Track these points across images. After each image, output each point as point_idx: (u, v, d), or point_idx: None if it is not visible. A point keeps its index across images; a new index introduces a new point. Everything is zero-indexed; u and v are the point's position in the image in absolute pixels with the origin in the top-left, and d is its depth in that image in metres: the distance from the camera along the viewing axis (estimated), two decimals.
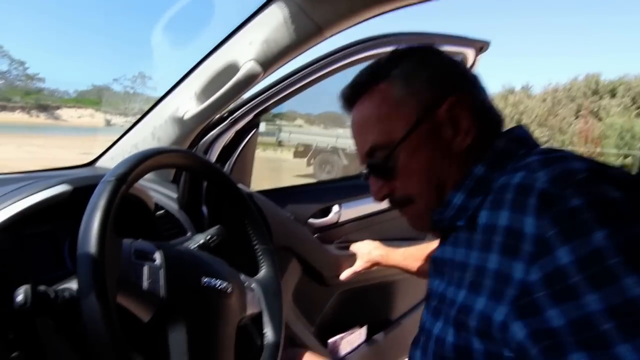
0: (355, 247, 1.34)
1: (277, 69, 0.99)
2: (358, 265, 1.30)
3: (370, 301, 1.61)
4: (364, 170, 0.70)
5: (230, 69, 0.97)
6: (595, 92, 21.83)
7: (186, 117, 1.03)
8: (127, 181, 0.61)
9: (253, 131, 1.25)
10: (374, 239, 1.36)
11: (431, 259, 0.69)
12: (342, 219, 1.50)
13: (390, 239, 1.43)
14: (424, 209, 0.65)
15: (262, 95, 1.16)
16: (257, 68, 0.94)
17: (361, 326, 1.56)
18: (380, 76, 0.66)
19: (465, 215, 0.60)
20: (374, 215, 1.58)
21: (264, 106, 1.19)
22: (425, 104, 0.63)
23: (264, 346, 0.80)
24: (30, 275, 0.70)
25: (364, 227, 1.56)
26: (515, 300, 0.48)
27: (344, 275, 1.33)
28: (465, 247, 0.59)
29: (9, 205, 0.68)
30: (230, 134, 1.19)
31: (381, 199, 0.69)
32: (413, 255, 1.20)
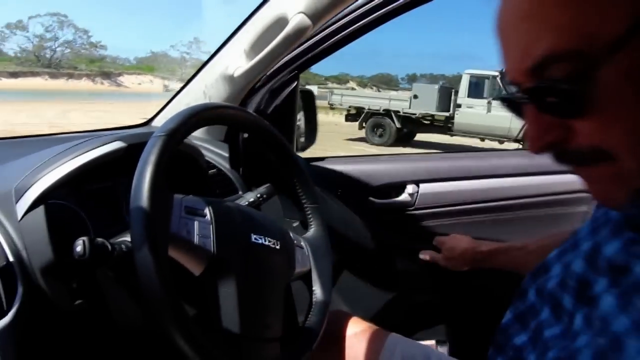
0: (440, 240, 1.04)
1: (327, 21, 0.94)
2: (442, 259, 1.01)
3: (469, 320, 1.26)
4: (516, 92, 0.40)
5: (279, 22, 0.94)
6: None
7: (236, 74, 1.02)
8: (176, 136, 0.61)
9: (290, 90, 1.13)
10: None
11: (605, 256, 0.45)
12: (420, 203, 1.23)
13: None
14: (628, 174, 0.38)
15: (295, 51, 1.06)
16: (307, 20, 0.90)
17: (439, 343, 1.25)
18: None
19: None
20: (470, 205, 1.25)
21: (298, 62, 1.09)
22: None
23: (312, 304, 0.80)
24: (91, 229, 0.73)
25: (455, 219, 1.24)
26: None
27: (423, 255, 1.06)
28: None
29: (67, 161, 0.70)
30: (264, 92, 1.11)
31: (541, 149, 0.40)
32: (548, 249, 0.77)
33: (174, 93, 1.23)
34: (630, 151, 0.37)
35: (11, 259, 0.62)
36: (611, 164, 0.38)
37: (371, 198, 1.22)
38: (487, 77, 10.93)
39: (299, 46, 1.05)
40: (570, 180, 1.25)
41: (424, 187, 1.23)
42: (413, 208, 1.23)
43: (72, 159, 0.71)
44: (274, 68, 1.07)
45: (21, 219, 0.66)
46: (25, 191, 0.67)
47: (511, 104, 0.43)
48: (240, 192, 1.04)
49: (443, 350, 1.22)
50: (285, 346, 0.69)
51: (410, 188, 1.22)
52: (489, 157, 1.36)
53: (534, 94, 0.38)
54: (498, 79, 10.62)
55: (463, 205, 1.25)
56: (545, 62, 0.36)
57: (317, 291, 0.80)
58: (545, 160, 0.43)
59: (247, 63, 1.01)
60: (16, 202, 0.67)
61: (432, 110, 11.72)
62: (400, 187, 1.23)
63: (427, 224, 1.24)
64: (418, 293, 1.24)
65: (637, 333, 0.36)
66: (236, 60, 1.03)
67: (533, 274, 0.56)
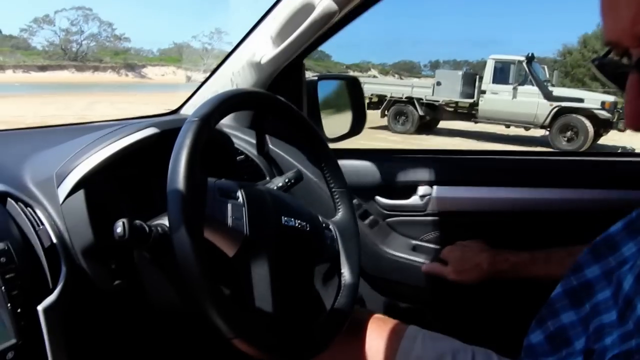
0: (446, 252, 0.95)
1: (353, 6, 0.94)
2: (451, 272, 0.90)
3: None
4: (621, 59, 0.37)
5: (306, 8, 0.94)
6: None
7: (263, 61, 1.03)
8: (210, 121, 0.62)
9: (295, 78, 1.09)
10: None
11: None
12: (432, 209, 1.09)
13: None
14: None
15: None
16: (333, 6, 0.90)
17: None
18: None
19: None
20: (495, 218, 1.07)
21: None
22: None
23: (341, 286, 0.81)
24: (126, 214, 0.76)
25: (472, 232, 1.03)
26: None
27: (426, 268, 0.97)
28: None
29: (104, 147, 0.73)
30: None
31: None
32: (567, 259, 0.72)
33: (196, 84, 1.25)
34: None
35: (54, 240, 0.65)
36: None
37: (378, 197, 1.12)
38: (513, 62, 10.68)
39: None
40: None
41: (439, 190, 1.08)
42: (423, 213, 1.10)
43: (108, 145, 0.73)
44: None
45: (62, 202, 0.68)
46: (66, 176, 0.70)
47: (610, 70, 0.38)
48: (267, 178, 1.05)
49: None
50: (316, 327, 0.71)
51: (422, 189, 1.08)
52: (526, 161, 1.17)
53: None
54: (524, 64, 10.38)
55: (486, 217, 1.08)
56: None
57: (346, 274, 0.81)
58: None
59: (273, 50, 1.01)
60: (57, 187, 0.69)
61: (456, 97, 11.54)
62: (411, 187, 1.10)
63: (438, 234, 1.10)
64: (421, 310, 1.08)
65: None
66: (263, 47, 1.04)
67: (594, 249, 0.53)
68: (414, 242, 1.12)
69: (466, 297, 0.99)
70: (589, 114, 9.85)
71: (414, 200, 1.10)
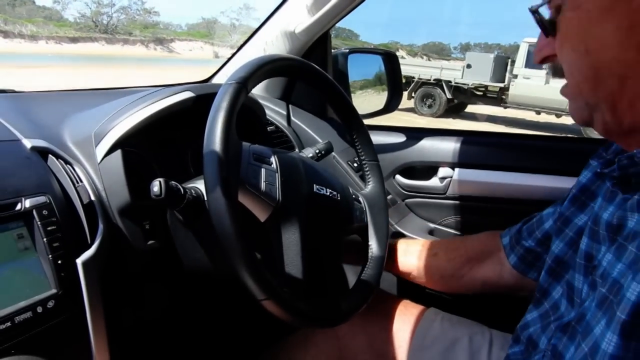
0: None
1: None
2: None
3: None
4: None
5: None
6: None
7: (297, 30, 1.02)
8: (247, 84, 0.62)
9: (320, 50, 1.06)
10: None
11: (604, 223, 0.52)
12: (452, 192, 1.04)
13: None
14: (573, 102, 0.50)
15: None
16: None
17: None
18: None
19: None
20: (522, 206, 0.98)
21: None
22: None
23: (368, 258, 0.81)
24: (160, 176, 0.77)
25: (494, 221, 0.92)
26: None
27: None
28: None
29: (141, 109, 0.74)
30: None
31: (540, 61, 0.54)
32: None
33: (224, 60, 1.24)
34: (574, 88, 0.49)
35: (92, 197, 0.66)
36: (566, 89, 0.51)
37: (398, 176, 1.09)
38: None
39: None
40: None
41: (461, 173, 1.02)
42: (443, 196, 1.05)
43: (145, 107, 0.74)
44: None
45: (100, 161, 0.70)
46: (104, 136, 0.71)
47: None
48: (297, 150, 1.05)
49: None
50: (342, 297, 0.71)
51: (442, 171, 1.04)
52: (556, 147, 1.07)
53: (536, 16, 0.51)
54: None
55: (510, 205, 1.00)
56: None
57: (374, 246, 0.81)
58: None
59: (309, 19, 1.00)
60: (95, 146, 0.71)
61: (486, 81, 11.23)
62: (431, 168, 1.05)
63: (458, 219, 1.05)
64: (437, 295, 0.97)
65: (631, 272, 0.43)
66: (297, 16, 1.02)
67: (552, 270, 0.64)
68: (432, 225, 1.09)
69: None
70: None
71: (434, 182, 1.06)
